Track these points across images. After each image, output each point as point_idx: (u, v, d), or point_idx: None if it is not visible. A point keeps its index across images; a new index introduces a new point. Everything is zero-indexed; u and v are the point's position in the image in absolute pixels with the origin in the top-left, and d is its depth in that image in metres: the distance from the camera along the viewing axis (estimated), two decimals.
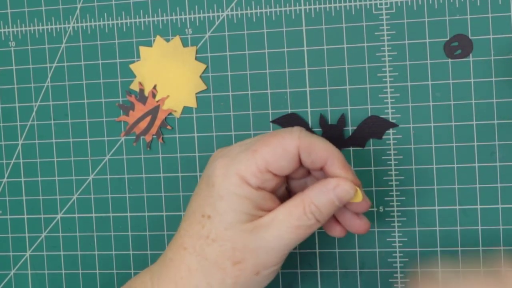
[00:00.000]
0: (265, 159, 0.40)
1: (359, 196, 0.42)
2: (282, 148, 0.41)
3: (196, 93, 0.52)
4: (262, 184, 0.41)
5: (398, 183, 0.49)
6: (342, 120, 0.49)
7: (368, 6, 0.49)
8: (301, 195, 0.41)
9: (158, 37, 0.52)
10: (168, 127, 0.52)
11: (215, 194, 0.41)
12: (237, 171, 0.40)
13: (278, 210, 0.41)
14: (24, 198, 0.55)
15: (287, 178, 0.44)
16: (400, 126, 0.49)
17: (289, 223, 0.41)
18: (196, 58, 0.52)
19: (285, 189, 0.45)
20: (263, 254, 0.41)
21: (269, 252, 0.41)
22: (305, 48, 0.50)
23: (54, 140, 0.54)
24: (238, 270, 0.41)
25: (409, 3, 0.48)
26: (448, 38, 0.48)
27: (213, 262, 0.41)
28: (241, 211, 0.41)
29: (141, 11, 0.52)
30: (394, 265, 0.50)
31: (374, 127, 0.49)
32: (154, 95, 0.52)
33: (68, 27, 0.53)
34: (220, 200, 0.41)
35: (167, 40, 0.52)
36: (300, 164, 0.42)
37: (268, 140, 0.41)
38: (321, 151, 0.41)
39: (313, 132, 0.50)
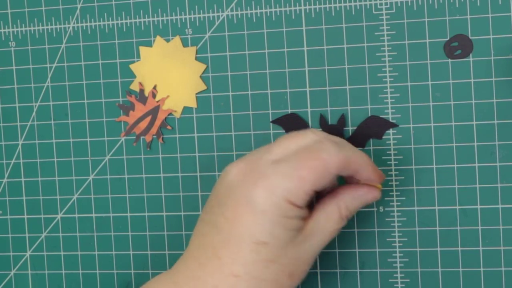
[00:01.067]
0: (312, 184, 0.42)
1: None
2: (326, 172, 0.42)
3: (196, 93, 0.52)
4: (307, 202, 0.43)
5: (398, 183, 0.49)
6: (342, 120, 0.49)
7: (368, 6, 0.49)
8: (335, 200, 0.44)
9: (158, 37, 0.52)
10: (168, 127, 0.52)
11: (267, 221, 0.41)
12: (286, 198, 0.41)
13: (316, 216, 0.43)
14: (24, 198, 0.55)
15: None
16: (400, 126, 0.49)
17: (330, 228, 0.44)
18: (196, 58, 0.52)
19: None
20: (309, 260, 0.44)
21: (314, 255, 0.44)
22: (305, 48, 0.50)
23: (54, 140, 0.54)
24: (292, 280, 0.43)
25: (409, 3, 0.48)
26: (448, 38, 0.48)
27: (270, 281, 0.42)
28: (293, 229, 0.42)
29: (141, 11, 0.52)
30: (394, 265, 0.50)
31: (374, 127, 0.49)
32: (154, 95, 0.52)
33: (68, 27, 0.53)
34: (275, 227, 0.42)
35: (167, 40, 0.52)
36: None
37: (312, 164, 0.42)
38: (356, 164, 0.43)
39: None
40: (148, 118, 0.52)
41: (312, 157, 0.42)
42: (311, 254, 0.43)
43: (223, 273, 0.42)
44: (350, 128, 0.49)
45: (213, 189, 0.45)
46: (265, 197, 0.41)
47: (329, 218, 0.44)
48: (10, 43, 0.54)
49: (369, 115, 0.49)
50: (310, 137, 0.43)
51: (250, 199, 0.42)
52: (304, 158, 0.42)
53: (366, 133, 0.49)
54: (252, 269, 0.42)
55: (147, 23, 0.52)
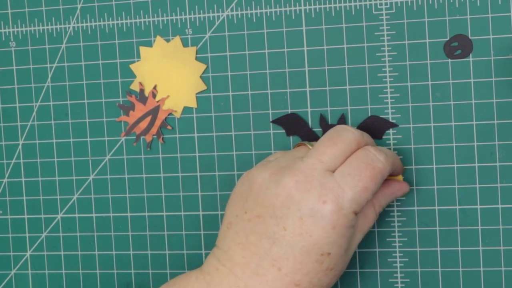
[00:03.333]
0: (373, 193, 0.44)
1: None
2: (382, 179, 0.45)
3: (196, 93, 0.52)
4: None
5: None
6: (342, 120, 0.49)
7: (368, 6, 0.49)
8: (371, 200, 0.46)
9: (158, 37, 0.52)
10: (168, 127, 0.52)
11: (335, 234, 0.43)
12: (354, 210, 0.43)
13: (358, 217, 0.45)
14: (24, 198, 0.55)
15: None
16: (400, 126, 0.49)
17: (367, 227, 0.46)
18: (196, 58, 0.52)
19: None
20: (348, 260, 0.46)
21: (351, 256, 0.46)
22: (305, 48, 0.50)
23: (54, 140, 0.54)
24: (337, 280, 0.45)
25: (409, 3, 0.48)
26: (448, 38, 0.48)
27: (325, 285, 0.44)
28: (351, 237, 0.44)
29: (141, 11, 0.52)
30: (394, 265, 0.50)
31: (374, 127, 0.49)
32: (154, 95, 0.52)
33: (69, 27, 0.53)
34: (342, 238, 0.43)
35: (167, 40, 0.52)
36: None
37: (372, 174, 0.44)
38: (396, 165, 0.47)
39: (313, 133, 0.50)
40: (148, 118, 0.52)
41: (371, 168, 0.44)
42: (352, 254, 0.46)
43: (284, 283, 0.43)
44: None
45: (249, 194, 0.45)
46: (334, 211, 0.42)
47: (367, 219, 0.46)
48: (10, 43, 0.54)
49: (369, 115, 0.49)
50: (351, 138, 0.45)
51: (319, 214, 0.43)
52: (364, 170, 0.44)
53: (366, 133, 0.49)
54: (314, 278, 0.43)
55: (147, 23, 0.52)
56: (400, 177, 0.48)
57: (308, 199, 0.43)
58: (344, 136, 0.45)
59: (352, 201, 0.43)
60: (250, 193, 0.44)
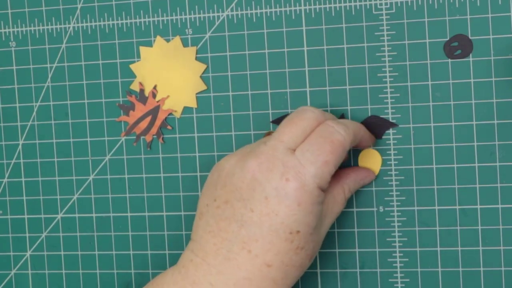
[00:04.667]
0: (335, 166, 0.44)
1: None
2: (344, 151, 0.44)
3: (196, 93, 0.52)
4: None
5: (398, 183, 0.49)
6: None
7: (368, 6, 0.49)
8: (339, 183, 0.47)
9: (158, 37, 0.52)
10: (168, 127, 0.52)
11: (301, 211, 0.43)
12: (318, 185, 0.43)
13: (326, 198, 0.45)
14: (24, 198, 0.55)
15: None
16: (400, 126, 0.49)
17: (337, 209, 0.47)
18: (196, 58, 0.52)
19: None
20: (322, 241, 0.46)
21: (323, 238, 0.46)
22: (305, 48, 0.50)
23: (54, 140, 0.54)
24: (310, 262, 0.45)
25: (409, 3, 0.48)
26: (448, 38, 0.48)
27: (297, 266, 0.44)
28: (319, 215, 0.44)
29: (141, 11, 0.52)
30: (394, 265, 0.50)
31: (374, 126, 0.49)
32: (154, 95, 0.52)
33: (69, 27, 0.53)
34: (308, 215, 0.43)
35: (167, 40, 0.52)
36: None
37: (331, 148, 0.44)
38: (359, 135, 0.47)
39: None
40: (148, 118, 0.52)
41: (329, 141, 0.44)
42: (323, 235, 0.46)
43: (255, 265, 0.43)
44: None
45: (217, 182, 0.45)
46: (298, 188, 0.43)
47: (336, 201, 0.46)
48: (10, 43, 0.54)
49: (369, 115, 0.49)
50: (311, 116, 0.45)
51: (283, 192, 0.43)
52: (323, 144, 0.44)
53: None
54: (285, 257, 0.43)
55: (147, 23, 0.52)
56: (376, 171, 0.49)
57: (271, 179, 0.43)
58: (304, 115, 0.45)
59: (314, 177, 0.43)
60: (218, 181, 0.45)
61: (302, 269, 0.45)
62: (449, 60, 0.48)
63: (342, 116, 0.49)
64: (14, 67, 0.54)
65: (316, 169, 0.43)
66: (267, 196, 0.43)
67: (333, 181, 0.46)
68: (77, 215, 0.54)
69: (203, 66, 0.52)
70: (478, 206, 0.48)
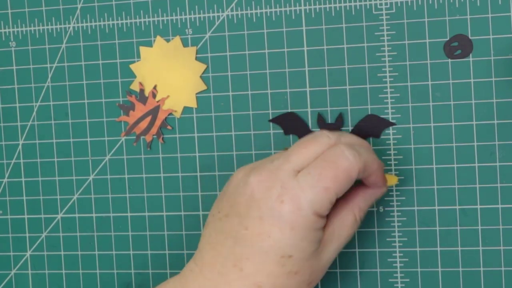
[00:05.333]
0: (336, 193, 0.42)
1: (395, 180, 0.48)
2: (349, 179, 0.42)
3: (196, 93, 0.52)
4: (330, 210, 0.43)
5: (398, 183, 0.49)
6: (340, 119, 0.49)
7: (368, 6, 0.49)
8: (350, 204, 0.45)
9: (158, 37, 0.52)
10: (168, 127, 0.52)
11: (294, 236, 0.41)
12: (314, 211, 0.41)
13: (331, 223, 0.44)
14: (24, 198, 0.55)
15: None
16: (400, 126, 0.49)
17: (345, 234, 0.44)
18: (196, 58, 0.52)
19: None
20: (327, 267, 0.44)
21: (331, 260, 0.44)
22: (305, 48, 0.50)
23: (54, 140, 0.54)
24: (307, 286, 0.43)
25: (409, 3, 0.48)
26: (448, 38, 0.48)
27: None
28: (317, 241, 0.42)
29: (141, 11, 0.52)
30: (394, 265, 0.50)
31: (372, 125, 0.49)
32: (154, 95, 0.52)
33: (69, 27, 0.53)
34: (302, 241, 0.42)
35: (167, 40, 0.52)
36: None
37: (335, 174, 0.42)
38: (370, 170, 0.44)
39: (311, 132, 0.50)
40: (148, 118, 0.52)
41: (334, 166, 0.42)
42: (328, 261, 0.44)
43: (245, 284, 0.42)
44: (350, 128, 0.49)
45: (224, 194, 0.44)
46: (292, 212, 0.41)
47: (344, 225, 0.44)
48: (10, 43, 0.54)
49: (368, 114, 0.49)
50: (325, 141, 0.43)
51: (277, 214, 0.41)
52: (326, 168, 0.42)
53: (364, 132, 0.49)
54: (276, 281, 0.42)
55: (147, 23, 0.52)
56: (394, 179, 0.47)
57: (267, 199, 0.42)
58: (318, 139, 0.44)
59: (311, 202, 0.41)
60: (225, 192, 0.44)
61: None
62: (449, 60, 0.48)
63: (340, 115, 0.49)
64: (14, 67, 0.54)
65: (314, 194, 0.41)
66: (261, 216, 0.42)
67: (341, 203, 0.44)
68: (77, 215, 0.54)
69: (203, 66, 0.52)
70: (478, 206, 0.48)
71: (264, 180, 0.42)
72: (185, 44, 0.52)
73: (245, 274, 0.42)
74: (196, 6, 0.51)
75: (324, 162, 0.42)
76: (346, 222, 0.44)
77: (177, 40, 0.52)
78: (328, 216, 0.43)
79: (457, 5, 0.48)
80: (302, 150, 0.43)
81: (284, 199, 0.41)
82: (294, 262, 0.42)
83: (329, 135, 0.44)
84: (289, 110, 0.50)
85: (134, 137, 0.53)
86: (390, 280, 0.50)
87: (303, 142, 0.44)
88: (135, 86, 0.53)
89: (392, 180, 0.47)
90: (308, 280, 0.43)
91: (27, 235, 0.55)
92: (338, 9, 0.49)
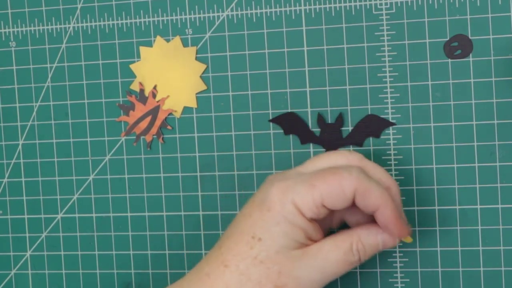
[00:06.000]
0: (321, 195, 0.42)
1: (410, 239, 0.44)
2: (339, 188, 0.42)
3: (196, 93, 0.52)
4: (315, 216, 0.43)
5: (398, 183, 0.49)
6: (340, 119, 0.49)
7: (368, 6, 0.49)
8: (349, 232, 0.44)
9: (158, 37, 0.52)
10: (168, 127, 0.52)
11: (269, 218, 0.42)
12: (294, 201, 0.42)
13: (324, 241, 0.43)
14: (24, 198, 0.55)
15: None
16: (400, 126, 0.49)
17: (335, 256, 0.43)
18: (196, 58, 0.52)
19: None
20: (305, 282, 0.43)
21: (310, 281, 0.43)
22: (305, 48, 0.50)
23: (54, 140, 0.54)
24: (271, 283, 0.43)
25: (409, 3, 0.48)
26: (448, 38, 0.48)
27: (255, 282, 0.42)
28: (293, 238, 0.42)
29: (141, 11, 0.52)
30: (394, 265, 0.50)
31: (372, 125, 0.49)
32: (154, 95, 0.52)
33: (69, 27, 0.53)
34: (275, 226, 0.42)
35: (167, 40, 0.52)
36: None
37: (328, 177, 0.42)
38: (376, 198, 0.42)
39: (311, 132, 0.50)
40: (148, 118, 0.52)
41: (332, 171, 0.42)
42: (308, 278, 0.42)
43: (217, 261, 0.43)
44: (350, 128, 0.49)
45: None
46: (275, 195, 0.43)
47: (338, 246, 0.43)
48: (10, 43, 0.54)
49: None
50: (344, 155, 0.44)
51: (264, 196, 0.43)
52: (324, 171, 0.43)
53: (364, 132, 0.49)
54: (242, 263, 0.42)
55: (147, 23, 0.52)
56: (409, 239, 0.44)
57: (265, 186, 0.44)
58: (341, 153, 0.45)
59: (295, 192, 0.42)
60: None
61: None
62: (449, 60, 0.48)
63: (340, 115, 0.49)
64: (14, 67, 0.54)
65: (300, 187, 0.42)
66: (254, 200, 0.44)
67: (343, 230, 0.44)
68: (77, 215, 0.54)
69: (203, 66, 0.52)
70: (478, 206, 0.48)
71: (277, 176, 0.44)
72: (185, 44, 0.52)
73: (220, 252, 0.43)
74: (196, 6, 0.51)
75: (327, 168, 0.43)
76: (339, 246, 0.43)
77: (177, 40, 0.52)
78: (325, 237, 0.44)
79: (457, 5, 0.48)
80: (319, 159, 0.45)
81: (275, 183, 0.43)
82: (262, 247, 0.42)
83: (351, 152, 0.45)
84: (289, 110, 0.50)
85: (134, 137, 0.53)
86: (390, 280, 0.50)
87: (325, 153, 0.45)
88: (135, 86, 0.53)
89: (407, 239, 0.44)
90: (274, 279, 0.42)
91: (27, 235, 0.55)
92: (338, 9, 0.49)
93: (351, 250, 0.43)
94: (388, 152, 0.49)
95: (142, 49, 0.52)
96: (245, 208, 0.44)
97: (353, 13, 0.49)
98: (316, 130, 0.50)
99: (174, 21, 0.52)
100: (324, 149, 0.50)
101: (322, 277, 0.43)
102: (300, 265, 0.42)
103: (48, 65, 0.54)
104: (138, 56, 0.52)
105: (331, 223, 0.47)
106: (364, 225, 0.44)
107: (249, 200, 0.45)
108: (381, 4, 0.49)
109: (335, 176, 0.42)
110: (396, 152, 0.49)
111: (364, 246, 0.43)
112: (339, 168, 0.42)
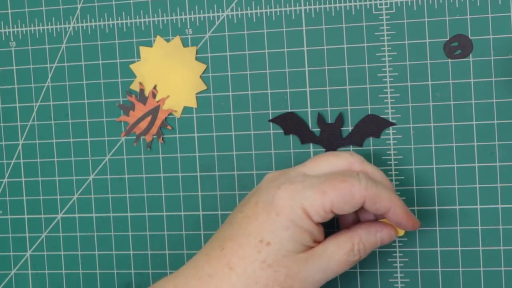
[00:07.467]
0: (331, 202, 0.42)
1: (402, 232, 0.46)
2: (349, 196, 0.42)
3: (196, 93, 0.52)
4: (322, 220, 0.43)
5: (398, 183, 0.49)
6: (340, 118, 0.49)
7: (368, 6, 0.49)
8: (350, 232, 0.44)
9: (158, 37, 0.52)
10: (168, 127, 0.52)
11: (278, 223, 0.42)
12: (303, 206, 0.42)
13: (327, 242, 0.43)
14: (24, 198, 0.55)
15: None
16: (400, 126, 0.49)
17: (338, 256, 0.43)
18: (196, 58, 0.52)
19: None
20: (309, 283, 0.43)
21: (314, 281, 0.43)
22: (305, 48, 0.50)
23: (54, 140, 0.54)
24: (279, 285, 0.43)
25: (409, 3, 0.48)
26: (448, 38, 0.48)
27: (262, 285, 0.42)
28: (300, 242, 0.42)
29: (141, 11, 0.52)
30: (394, 265, 0.50)
31: (372, 125, 0.49)
32: (154, 95, 0.52)
33: (69, 27, 0.53)
34: (284, 230, 0.42)
35: (167, 40, 0.52)
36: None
37: (338, 185, 0.42)
38: (386, 201, 0.43)
39: (311, 132, 0.50)
40: (148, 118, 0.52)
41: (342, 179, 0.42)
42: (312, 278, 0.43)
43: (220, 263, 0.43)
44: (350, 128, 0.49)
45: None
46: (283, 198, 0.42)
47: (340, 246, 0.43)
48: (10, 43, 0.54)
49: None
50: (346, 157, 0.44)
51: (271, 198, 0.43)
52: (334, 177, 0.43)
53: (364, 132, 0.49)
54: (248, 266, 0.42)
55: (147, 23, 0.52)
56: (401, 232, 0.46)
57: (269, 188, 0.43)
58: (340, 154, 0.45)
59: (304, 197, 0.42)
60: None
61: None
62: (449, 60, 0.48)
63: (340, 114, 0.49)
64: (14, 67, 0.54)
65: (310, 192, 0.42)
66: (257, 201, 0.43)
67: (344, 231, 0.45)
68: (77, 215, 0.54)
69: (203, 66, 0.52)
70: (478, 206, 0.48)
71: (275, 175, 0.45)
72: (185, 44, 0.52)
73: (223, 253, 0.43)
74: (196, 6, 0.51)
75: (335, 174, 0.43)
76: (342, 245, 0.44)
77: (177, 40, 0.52)
78: (327, 238, 0.44)
79: (457, 5, 0.48)
80: (320, 159, 0.45)
81: (282, 186, 0.43)
82: (270, 251, 0.42)
83: (352, 154, 0.45)
84: (289, 110, 0.50)
85: (134, 137, 0.53)
86: (390, 280, 0.50)
87: (325, 154, 0.45)
88: (135, 86, 0.53)
89: (400, 232, 0.46)
90: (281, 281, 0.42)
91: (27, 235, 0.55)
92: (338, 9, 0.49)
93: (353, 250, 0.44)
94: (388, 152, 0.49)
95: (142, 49, 0.52)
96: (247, 209, 0.44)
97: (353, 13, 0.49)
98: (316, 130, 0.50)
99: (174, 21, 0.52)
100: (324, 149, 0.50)
101: (324, 277, 0.43)
102: (306, 267, 0.43)
103: (48, 65, 0.54)
104: (138, 56, 0.52)
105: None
106: (363, 225, 0.45)
107: (249, 200, 0.44)
108: (381, 4, 0.49)
109: (346, 184, 0.42)
110: (396, 152, 0.49)
111: (364, 245, 0.44)
112: (347, 176, 0.43)
